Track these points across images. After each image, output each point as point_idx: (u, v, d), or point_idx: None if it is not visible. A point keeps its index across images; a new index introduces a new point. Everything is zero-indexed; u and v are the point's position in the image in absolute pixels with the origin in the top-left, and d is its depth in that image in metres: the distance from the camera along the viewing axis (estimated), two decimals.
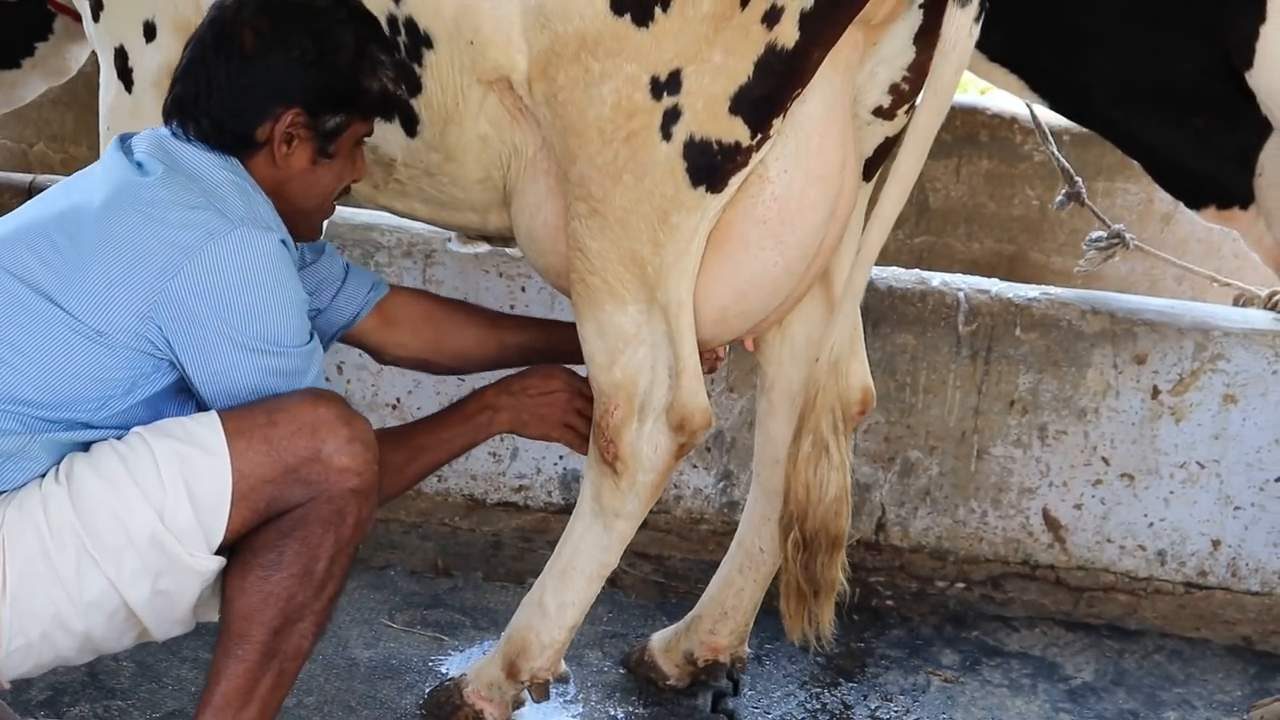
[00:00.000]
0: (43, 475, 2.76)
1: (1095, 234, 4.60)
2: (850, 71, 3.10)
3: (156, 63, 3.43)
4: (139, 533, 2.70)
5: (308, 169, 2.93)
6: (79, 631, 2.75)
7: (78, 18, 4.32)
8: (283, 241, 2.83)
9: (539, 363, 3.42)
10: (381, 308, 3.33)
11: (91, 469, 2.74)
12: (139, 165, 2.84)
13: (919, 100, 3.14)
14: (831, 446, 3.31)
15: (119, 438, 2.78)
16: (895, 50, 3.15)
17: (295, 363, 2.83)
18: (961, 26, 3.01)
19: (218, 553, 2.77)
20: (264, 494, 2.75)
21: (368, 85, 2.93)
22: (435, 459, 3.21)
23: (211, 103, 2.86)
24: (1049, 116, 4.53)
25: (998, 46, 3.80)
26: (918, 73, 3.16)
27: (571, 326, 3.39)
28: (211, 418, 2.77)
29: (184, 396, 2.86)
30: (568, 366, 3.37)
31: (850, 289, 3.25)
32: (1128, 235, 4.58)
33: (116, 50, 3.47)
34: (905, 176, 3.15)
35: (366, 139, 3.04)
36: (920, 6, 3.10)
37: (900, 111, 3.23)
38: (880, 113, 3.22)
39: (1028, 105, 4.64)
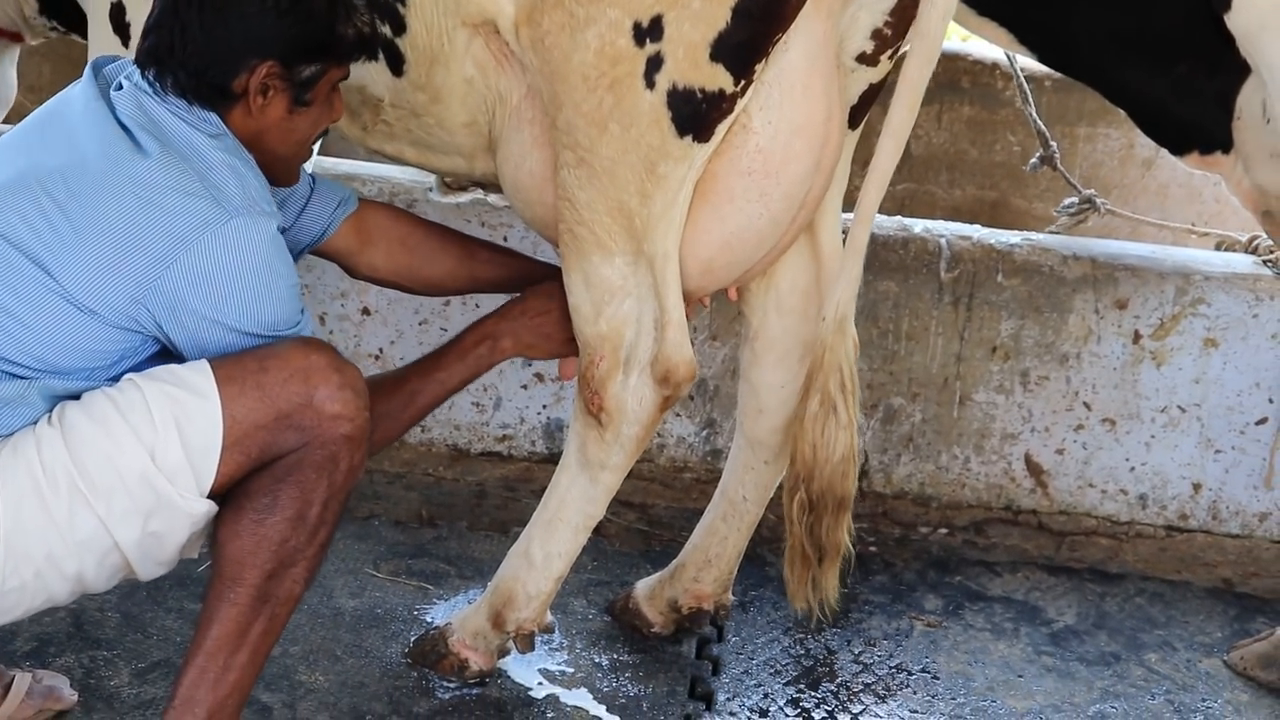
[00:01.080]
0: (36, 421, 2.78)
1: (1068, 200, 4.65)
2: (833, 18, 3.08)
3: None
4: (129, 471, 2.72)
5: (284, 118, 2.92)
6: (71, 572, 2.78)
7: (15, 38, 4.28)
8: (268, 215, 2.82)
9: (507, 291, 3.44)
10: (354, 224, 3.30)
11: (83, 412, 2.76)
12: (129, 135, 2.80)
13: (907, 50, 3.13)
14: (839, 406, 3.31)
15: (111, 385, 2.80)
16: None
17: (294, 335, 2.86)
18: None
19: (211, 498, 2.79)
20: (256, 440, 2.77)
21: (343, 32, 2.92)
22: (433, 399, 3.22)
23: (187, 54, 2.83)
24: (1029, 63, 4.53)
25: (987, 1, 3.79)
26: (900, 17, 3.15)
27: (545, 266, 3.39)
28: (202, 365, 2.79)
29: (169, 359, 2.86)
30: None
31: (852, 246, 3.25)
32: (1098, 200, 4.62)
33: (114, 4, 3.44)
34: (899, 129, 3.15)
35: (344, 81, 3.03)
36: None
37: (884, 57, 3.22)
38: (864, 59, 3.21)
39: (1010, 60, 4.63)
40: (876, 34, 3.18)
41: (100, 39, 3.52)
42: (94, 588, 2.86)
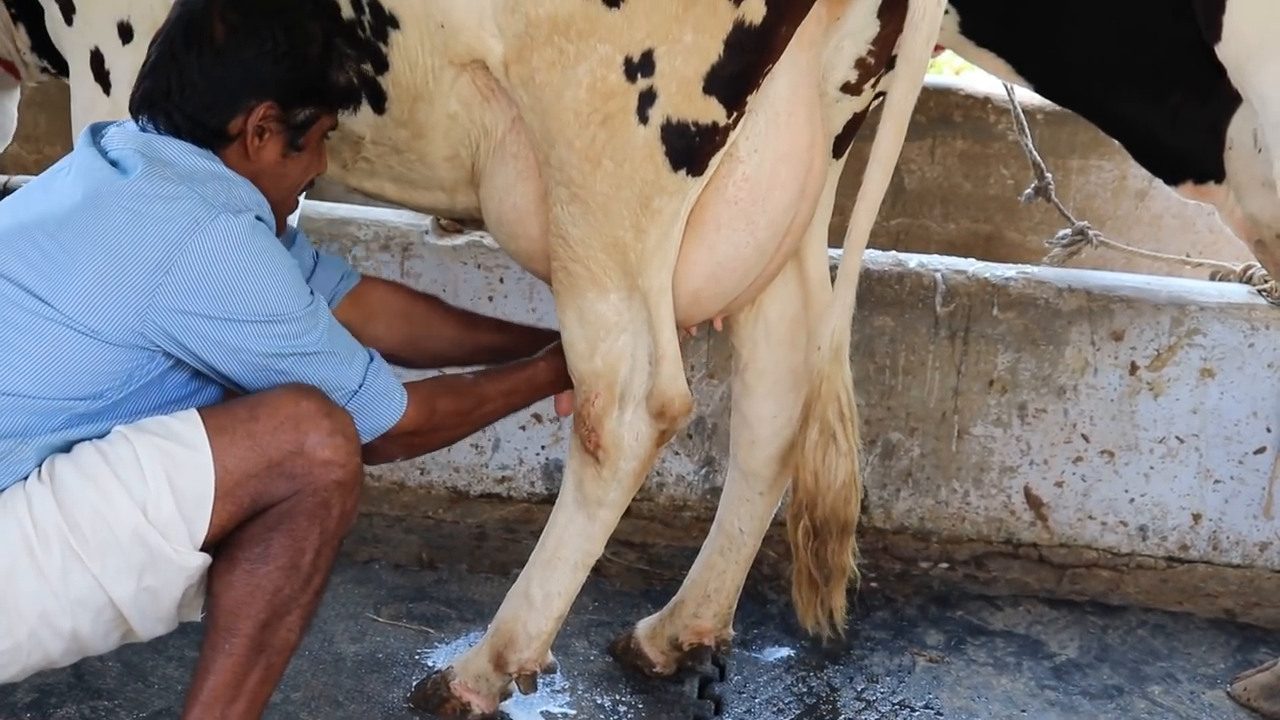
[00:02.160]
0: (25, 477, 2.76)
1: (1061, 232, 4.67)
2: (815, 48, 3.11)
3: (134, 63, 3.41)
4: (122, 528, 2.71)
5: (278, 162, 2.94)
6: (66, 630, 2.75)
7: (12, 72, 4.29)
8: (259, 218, 2.83)
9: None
10: (355, 299, 3.32)
11: (74, 467, 2.74)
12: (115, 164, 2.83)
13: (893, 77, 3.14)
14: (839, 434, 3.32)
15: (101, 437, 2.79)
16: (859, 24, 3.16)
17: (304, 323, 2.84)
18: None
19: (204, 550, 2.77)
20: (248, 489, 2.76)
21: (335, 77, 2.96)
22: (497, 410, 3.22)
23: (184, 98, 2.86)
24: (1023, 95, 4.55)
25: (985, 32, 3.82)
26: (882, 46, 3.18)
27: (548, 333, 3.40)
28: (192, 415, 2.78)
29: (179, 382, 2.86)
30: None
31: (845, 274, 3.26)
32: (1091, 232, 4.65)
33: (92, 53, 3.46)
34: (886, 156, 3.16)
35: (330, 132, 3.05)
36: None
37: (867, 86, 3.25)
38: (848, 88, 3.23)
39: (1008, 93, 4.67)
40: (860, 63, 3.21)
41: (81, 86, 3.53)
42: (93, 648, 2.84)
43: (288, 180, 2.98)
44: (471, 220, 3.52)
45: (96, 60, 3.46)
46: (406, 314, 3.38)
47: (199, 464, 2.73)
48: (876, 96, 3.32)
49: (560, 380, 3.30)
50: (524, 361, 3.31)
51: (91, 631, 2.78)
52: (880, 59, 3.21)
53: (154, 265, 2.73)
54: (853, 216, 3.20)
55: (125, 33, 3.40)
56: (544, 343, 3.39)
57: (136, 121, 2.92)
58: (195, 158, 2.85)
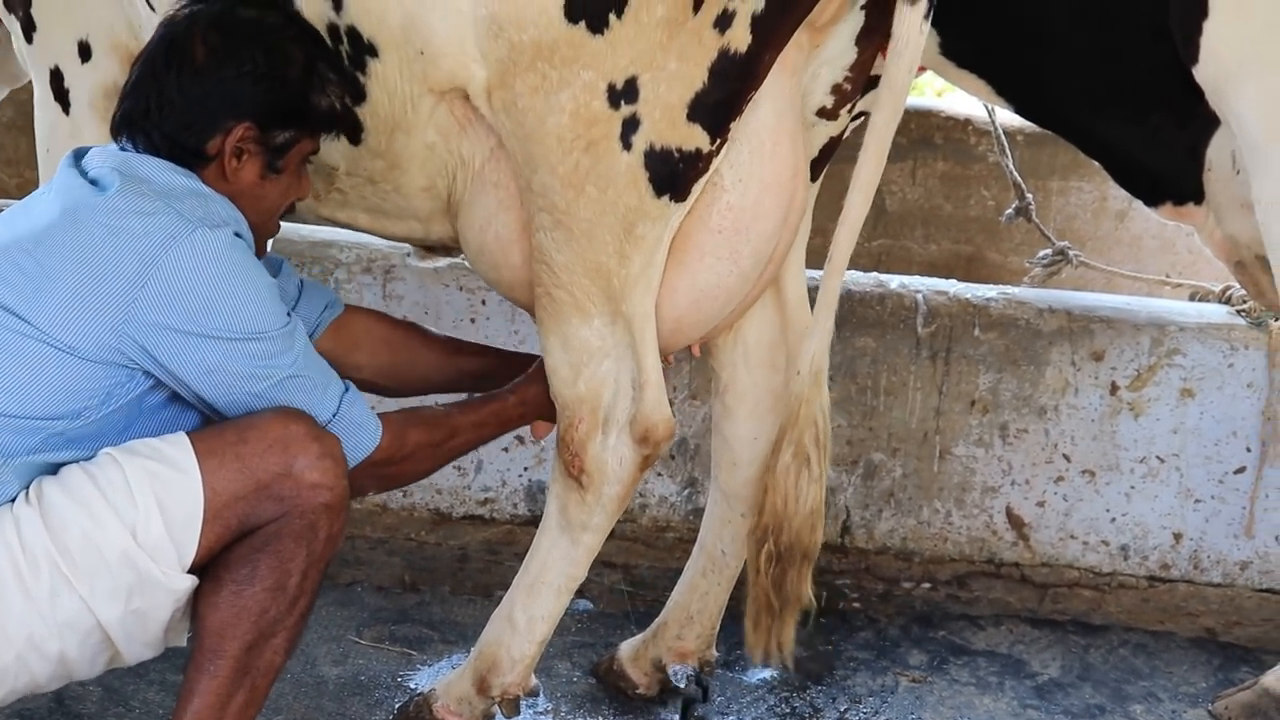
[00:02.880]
0: (13, 499, 2.76)
1: (1042, 252, 4.69)
2: (796, 75, 3.13)
3: (93, 82, 3.42)
4: (111, 550, 2.71)
5: (256, 183, 2.94)
6: (53, 654, 2.75)
7: None
8: (237, 234, 2.83)
9: (491, 389, 3.45)
10: (337, 328, 3.33)
11: (62, 490, 2.74)
12: (94, 182, 2.84)
13: (876, 103, 3.16)
14: (813, 459, 3.33)
15: (88, 459, 2.79)
16: (837, 51, 3.18)
17: (279, 343, 2.84)
18: (912, 25, 3.04)
19: (190, 572, 2.77)
20: (236, 511, 2.76)
21: (317, 101, 2.96)
22: (468, 442, 3.22)
23: (163, 116, 2.87)
24: (1003, 117, 4.57)
25: (965, 54, 3.85)
26: (859, 72, 3.21)
27: (529, 357, 3.41)
28: (180, 437, 2.78)
29: (162, 406, 2.86)
30: None
31: (825, 298, 3.27)
32: (1072, 252, 4.68)
33: (52, 71, 3.46)
34: (867, 181, 3.17)
35: (312, 156, 3.06)
36: (862, 8, 3.13)
37: (843, 111, 3.27)
38: (824, 113, 3.26)
39: (989, 115, 4.69)
40: (836, 89, 3.23)
41: (43, 106, 3.53)
42: (79, 672, 2.83)
43: (266, 202, 2.98)
44: (444, 248, 3.52)
45: (56, 79, 3.46)
46: (388, 342, 3.39)
47: (188, 486, 2.73)
48: (853, 120, 3.34)
49: (530, 412, 3.30)
50: (493, 394, 3.31)
51: (79, 655, 2.78)
52: (856, 85, 3.24)
53: (129, 279, 2.73)
54: (834, 240, 3.22)
55: (84, 51, 3.40)
56: (526, 367, 3.40)
57: (117, 142, 2.93)
58: (173, 175, 2.85)
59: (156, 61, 2.91)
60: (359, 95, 3.14)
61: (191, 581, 2.77)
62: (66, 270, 2.74)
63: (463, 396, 3.45)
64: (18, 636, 2.71)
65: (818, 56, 3.16)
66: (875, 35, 3.15)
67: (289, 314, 2.90)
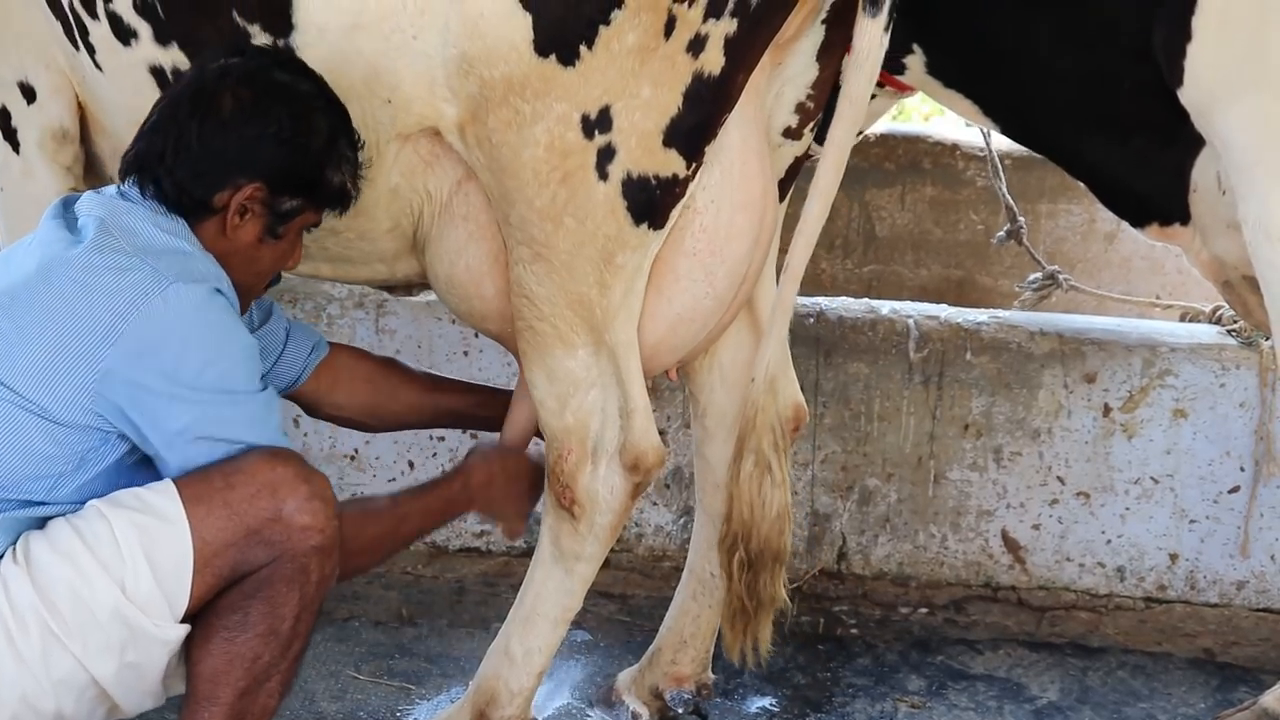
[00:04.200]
0: (0, 555, 2.74)
1: (1031, 276, 4.72)
2: (760, 96, 3.14)
3: (41, 125, 3.41)
4: (101, 607, 2.69)
5: (253, 245, 2.91)
6: (49, 712, 2.73)
7: None
8: (217, 290, 2.81)
9: (473, 426, 3.53)
10: (321, 369, 3.33)
11: (48, 546, 2.72)
12: (76, 230, 2.81)
13: (835, 114, 3.16)
14: (773, 464, 3.35)
15: (75, 511, 2.77)
16: (799, 69, 3.20)
17: (254, 409, 2.83)
18: (873, 37, 3.05)
19: (183, 620, 2.76)
20: (227, 558, 2.74)
21: (330, 176, 2.92)
22: (414, 531, 3.19)
23: (177, 162, 2.83)
24: (994, 140, 4.60)
25: (951, 74, 3.87)
26: (821, 90, 3.23)
27: (508, 394, 3.42)
28: (167, 486, 2.76)
29: (138, 468, 2.84)
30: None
31: (780, 306, 3.28)
32: (1062, 276, 4.70)
33: (0, 111, 3.46)
34: (825, 191, 3.18)
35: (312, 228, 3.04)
36: (823, 23, 3.14)
37: (806, 130, 3.29)
38: (789, 133, 3.28)
39: (984, 138, 4.71)
40: (800, 108, 3.25)
41: None
42: None
43: (258, 265, 2.96)
44: (406, 287, 3.51)
45: (4, 118, 3.46)
46: (369, 379, 3.39)
47: (176, 536, 2.71)
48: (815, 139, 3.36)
49: (475, 496, 3.29)
50: (438, 480, 3.30)
51: (75, 711, 2.76)
52: (819, 103, 3.26)
53: (100, 336, 2.71)
54: (790, 249, 3.22)
55: (28, 93, 3.40)
56: (502, 403, 3.42)
57: (122, 182, 2.90)
58: (157, 231, 2.82)
59: (180, 106, 2.88)
60: None
61: (184, 630, 2.76)
62: (38, 328, 2.73)
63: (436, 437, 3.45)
64: (11, 697, 2.69)
65: (780, 75, 3.18)
66: (836, 51, 3.17)
67: (265, 385, 2.87)
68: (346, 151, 2.95)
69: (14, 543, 2.75)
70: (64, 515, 2.77)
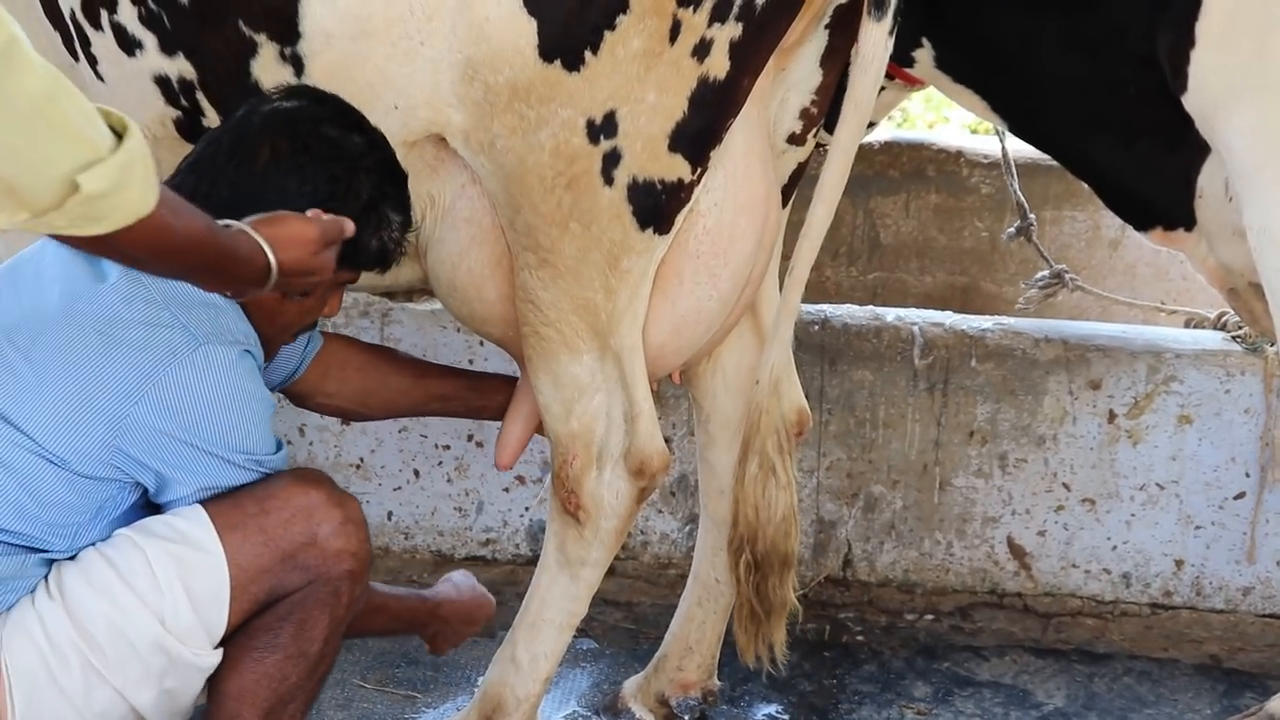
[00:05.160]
0: (33, 590, 2.71)
1: (1039, 274, 4.71)
2: (763, 99, 3.14)
3: None
4: (140, 639, 2.68)
5: (277, 300, 2.83)
6: None
7: None
8: (247, 351, 2.79)
9: (461, 414, 3.51)
10: (317, 358, 3.31)
11: (84, 580, 2.70)
12: (93, 264, 2.74)
13: (840, 118, 3.17)
14: (778, 466, 3.35)
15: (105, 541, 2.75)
16: (803, 74, 3.20)
17: (272, 468, 2.83)
18: (878, 40, 3.06)
19: (218, 644, 2.76)
20: (263, 584, 2.74)
21: (366, 241, 2.83)
22: (373, 628, 3.21)
23: (207, 206, 2.64)
24: (994, 148, 4.59)
25: (960, 69, 3.89)
26: (824, 95, 3.24)
27: (497, 380, 3.42)
28: (199, 513, 2.74)
29: (149, 508, 2.81)
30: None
31: (785, 309, 3.28)
32: (1068, 275, 4.69)
33: None
34: (830, 194, 3.19)
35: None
36: (826, 27, 3.15)
37: (810, 136, 3.30)
38: (794, 139, 3.29)
39: (998, 135, 4.71)
40: (804, 113, 3.26)
41: None
42: None
43: (283, 319, 2.91)
44: (408, 292, 3.51)
45: None
46: (359, 367, 3.37)
47: (213, 566, 2.70)
48: (818, 145, 3.37)
49: (446, 622, 3.34)
50: (419, 595, 3.35)
51: None
52: (822, 108, 3.27)
53: (124, 394, 2.68)
54: (795, 252, 3.23)
55: None
56: (490, 389, 3.44)
57: None
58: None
59: (220, 147, 2.81)
60: None
61: (220, 655, 2.76)
62: (58, 377, 2.68)
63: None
64: None
65: (784, 81, 3.19)
66: (839, 56, 3.17)
67: (280, 444, 2.86)
68: (389, 214, 2.87)
69: (46, 574, 2.72)
70: (95, 546, 2.74)
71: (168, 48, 3.11)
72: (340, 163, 2.81)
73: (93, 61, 3.19)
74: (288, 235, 2.60)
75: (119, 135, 2.22)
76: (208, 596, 2.70)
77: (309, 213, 2.70)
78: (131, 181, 2.21)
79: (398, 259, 2.97)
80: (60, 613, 2.68)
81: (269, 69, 3.03)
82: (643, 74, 2.91)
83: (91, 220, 2.18)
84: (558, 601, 3.37)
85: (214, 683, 2.79)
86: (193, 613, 2.69)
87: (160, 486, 2.76)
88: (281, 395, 3.36)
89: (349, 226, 2.73)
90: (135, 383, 2.68)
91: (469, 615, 3.38)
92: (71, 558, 2.74)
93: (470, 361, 4.44)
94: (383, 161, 2.88)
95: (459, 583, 3.42)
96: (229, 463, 2.76)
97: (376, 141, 2.89)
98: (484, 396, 3.47)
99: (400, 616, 3.25)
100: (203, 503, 2.75)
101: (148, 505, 2.82)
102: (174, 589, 2.68)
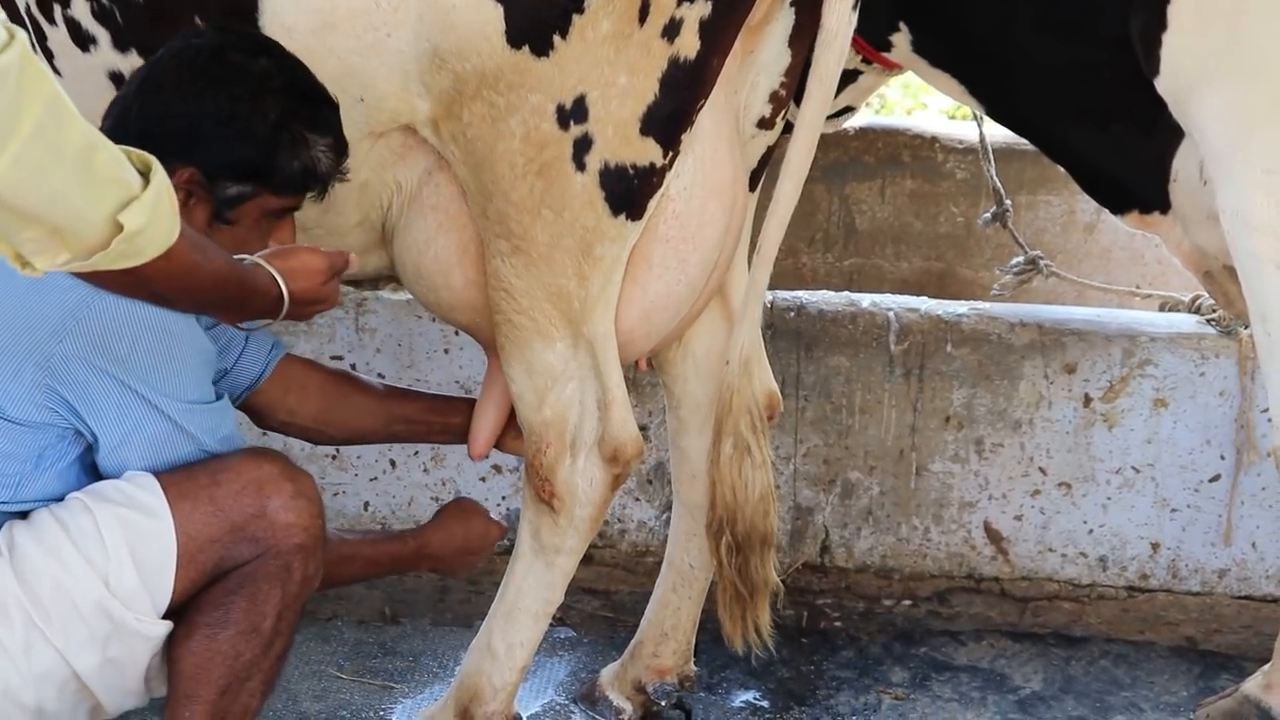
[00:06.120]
0: None
1: (1014, 260, 4.72)
2: (731, 82, 3.14)
3: None
4: (84, 600, 2.68)
5: (205, 230, 2.79)
6: (30, 705, 2.72)
7: None
8: None
9: (424, 437, 3.51)
10: (277, 372, 3.29)
11: (33, 538, 2.71)
12: None
13: (805, 94, 3.17)
14: (753, 446, 3.35)
15: (57, 501, 2.76)
16: (772, 56, 3.20)
17: (208, 419, 2.83)
18: (841, 15, 3.06)
19: (165, 617, 2.75)
20: (211, 554, 2.74)
21: (283, 162, 2.82)
22: (358, 574, 3.24)
23: (123, 140, 2.70)
24: (970, 135, 4.59)
25: (937, 53, 3.89)
26: (793, 77, 3.23)
27: (461, 403, 3.41)
28: (150, 480, 2.75)
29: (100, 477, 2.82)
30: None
31: (753, 289, 3.28)
32: (1043, 261, 4.70)
33: None
34: (797, 171, 3.19)
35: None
36: (792, 5, 3.14)
37: (778, 119, 3.29)
38: (763, 123, 3.28)
39: (977, 122, 4.71)
40: (773, 96, 3.25)
41: None
42: None
43: None
44: (375, 280, 3.50)
45: None
46: (322, 385, 3.35)
47: (160, 532, 2.71)
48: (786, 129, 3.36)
49: (432, 558, 3.33)
50: (398, 535, 3.36)
51: (58, 707, 2.75)
52: (791, 89, 3.26)
53: (50, 331, 2.70)
54: (763, 230, 3.23)
55: None
56: (454, 409, 3.43)
57: None
58: None
59: (132, 82, 2.85)
60: None
61: (167, 627, 2.75)
62: None
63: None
64: None
65: (754, 63, 3.18)
66: (806, 36, 3.16)
67: (218, 395, 2.86)
68: (305, 133, 2.84)
69: None
70: (47, 507, 2.76)
71: (121, 44, 3.09)
72: (243, 84, 2.80)
73: (49, 56, 3.17)
74: (300, 267, 2.73)
75: (142, 173, 2.35)
76: (153, 562, 2.70)
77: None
78: (162, 214, 2.34)
79: (332, 183, 2.93)
80: (6, 568, 2.69)
81: None
82: (612, 57, 2.90)
83: (131, 256, 2.31)
84: (533, 590, 3.37)
85: (171, 665, 2.78)
86: (138, 577, 2.70)
87: (96, 436, 2.76)
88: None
89: (354, 259, 2.84)
90: (60, 319, 2.70)
91: (466, 546, 3.35)
92: (23, 516, 2.75)
93: (445, 351, 4.43)
94: (293, 83, 2.85)
95: (457, 510, 3.39)
96: (156, 409, 2.76)
97: (286, 65, 2.86)
98: (448, 416, 3.45)
99: (378, 561, 3.24)
100: (156, 473, 2.76)
101: (99, 474, 2.82)
102: (120, 552, 2.69)
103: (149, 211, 2.30)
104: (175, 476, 2.76)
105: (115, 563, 2.69)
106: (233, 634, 2.76)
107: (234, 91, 2.79)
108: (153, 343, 2.76)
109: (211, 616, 2.76)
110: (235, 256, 2.64)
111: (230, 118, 2.78)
